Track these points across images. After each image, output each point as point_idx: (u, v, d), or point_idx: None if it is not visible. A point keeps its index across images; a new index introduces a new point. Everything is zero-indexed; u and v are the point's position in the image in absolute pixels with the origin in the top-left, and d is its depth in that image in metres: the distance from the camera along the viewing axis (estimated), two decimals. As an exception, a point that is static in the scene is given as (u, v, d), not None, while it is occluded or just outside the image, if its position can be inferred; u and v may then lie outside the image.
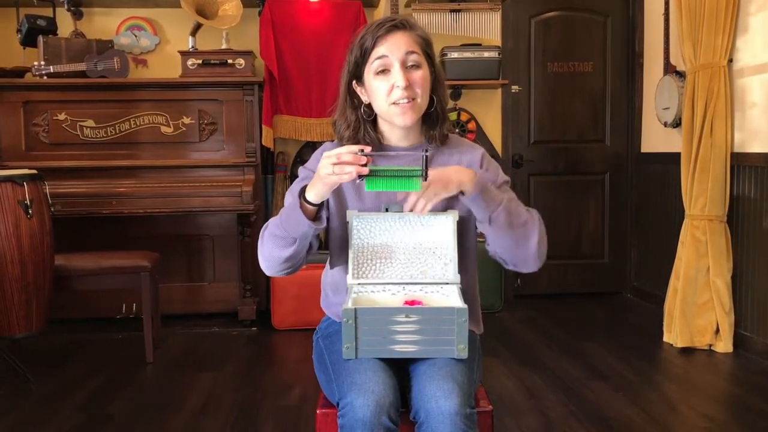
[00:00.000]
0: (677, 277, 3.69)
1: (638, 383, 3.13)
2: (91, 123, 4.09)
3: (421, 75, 1.51)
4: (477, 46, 4.47)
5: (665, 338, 3.74)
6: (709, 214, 3.57)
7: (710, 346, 3.59)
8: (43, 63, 4.00)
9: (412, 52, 1.50)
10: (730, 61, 3.55)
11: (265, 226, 1.52)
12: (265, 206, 4.40)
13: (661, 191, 4.42)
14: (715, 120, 3.53)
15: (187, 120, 4.14)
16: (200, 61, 4.12)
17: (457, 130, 4.53)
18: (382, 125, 1.59)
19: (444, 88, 1.61)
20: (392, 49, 1.49)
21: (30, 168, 3.71)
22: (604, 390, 3.03)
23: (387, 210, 1.49)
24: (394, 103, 1.49)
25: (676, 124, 4.04)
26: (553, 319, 4.29)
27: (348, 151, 1.30)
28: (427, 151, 1.32)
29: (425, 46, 1.55)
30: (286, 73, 4.27)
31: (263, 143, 4.19)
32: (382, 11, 4.52)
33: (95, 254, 3.56)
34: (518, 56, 4.73)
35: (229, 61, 4.14)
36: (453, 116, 4.57)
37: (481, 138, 4.65)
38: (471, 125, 4.60)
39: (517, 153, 4.77)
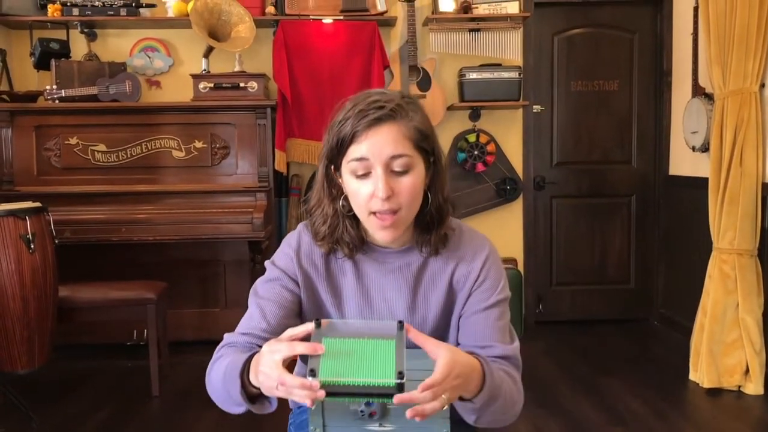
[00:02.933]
0: (704, 312, 3.51)
1: (660, 431, 2.96)
2: (102, 147, 4.04)
3: (409, 183, 1.22)
4: (497, 66, 4.32)
5: (691, 376, 3.55)
6: (738, 247, 3.38)
7: (739, 387, 3.40)
8: (55, 87, 3.96)
9: (400, 156, 1.21)
10: (762, 86, 3.36)
11: (214, 357, 1.25)
12: (279, 231, 4.31)
13: (691, 215, 4.22)
14: (745, 148, 3.35)
15: (198, 144, 4.06)
16: (212, 85, 4.05)
17: (472, 159, 4.39)
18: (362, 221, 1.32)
19: (443, 181, 1.30)
20: (374, 150, 1.20)
21: (41, 193, 3.72)
22: (624, 438, 2.88)
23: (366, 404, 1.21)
24: (373, 213, 1.23)
25: (705, 148, 3.85)
26: (574, 349, 4.12)
27: (295, 382, 1.00)
28: (401, 376, 1.02)
29: (420, 139, 1.24)
30: (299, 96, 4.18)
31: (276, 168, 4.10)
32: (399, 31, 4.40)
33: (101, 285, 3.51)
34: (540, 75, 4.57)
35: (242, 84, 4.05)
36: (472, 138, 4.43)
37: (501, 160, 4.50)
38: (490, 147, 4.46)
39: (539, 175, 4.61)
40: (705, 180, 3.70)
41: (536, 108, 4.55)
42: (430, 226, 1.30)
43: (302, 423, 1.41)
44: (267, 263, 1.36)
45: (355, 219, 1.30)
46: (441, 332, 1.34)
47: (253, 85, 4.07)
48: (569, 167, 4.64)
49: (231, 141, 4.08)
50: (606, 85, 4.59)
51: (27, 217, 3.05)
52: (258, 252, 3.97)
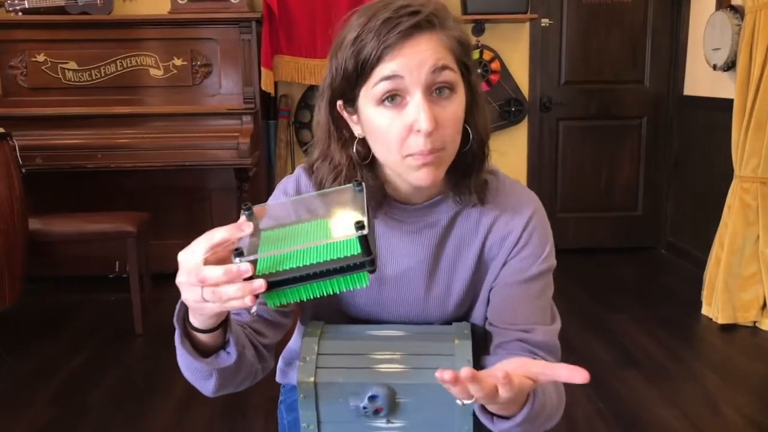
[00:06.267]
0: (721, 245, 3.29)
1: (675, 372, 2.80)
2: (73, 65, 3.71)
3: (453, 110, 0.93)
4: (503, -26, 3.95)
5: (704, 310, 3.38)
6: (762, 176, 3.14)
7: (755, 322, 3.23)
8: (17, -3, 3.60)
9: (444, 68, 0.91)
10: (799, -2, 3.04)
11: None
12: (268, 156, 4.03)
13: (705, 140, 3.96)
14: (777, 68, 3.06)
15: (178, 61, 3.73)
16: (191, -5, 3.69)
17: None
18: (386, 170, 1.02)
19: (484, 111, 1.01)
20: (411, 65, 0.89)
21: (8, 116, 3.50)
22: (636, 381, 2.71)
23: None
24: (410, 155, 0.93)
25: (728, 67, 3.55)
26: (580, 280, 3.93)
27: (217, 273, 0.72)
28: (361, 226, 0.72)
29: (462, 53, 0.95)
30: (287, 7, 3.81)
31: (263, 87, 3.78)
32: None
33: (76, 216, 3.26)
34: (549, -15, 4.21)
35: (223, -6, 3.70)
36: (475, 54, 4.08)
37: (505, 79, 4.19)
38: (495, 65, 4.14)
39: (545, 95, 4.31)
40: (725, 101, 3.44)
41: (544, 22, 4.21)
42: (470, 168, 1.01)
43: (294, 403, 1.19)
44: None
45: (372, 166, 1.01)
46: (466, 308, 1.09)
47: (236, -5, 3.71)
48: (578, 87, 4.33)
49: (213, 58, 3.76)
50: (620, -4, 4.24)
51: (-13, 145, 2.77)
52: (245, 180, 3.70)
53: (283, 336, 1.09)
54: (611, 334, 3.17)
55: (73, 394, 2.67)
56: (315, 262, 0.72)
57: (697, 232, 4.02)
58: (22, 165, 3.03)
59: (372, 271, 0.72)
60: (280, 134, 4.06)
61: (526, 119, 4.30)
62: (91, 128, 3.58)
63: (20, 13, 3.61)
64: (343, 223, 0.75)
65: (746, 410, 2.48)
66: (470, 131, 0.99)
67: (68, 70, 3.71)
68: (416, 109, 0.90)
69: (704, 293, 3.40)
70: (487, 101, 1.04)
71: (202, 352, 0.89)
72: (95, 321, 3.43)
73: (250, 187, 3.72)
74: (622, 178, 4.46)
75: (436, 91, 0.92)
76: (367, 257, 0.71)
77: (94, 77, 3.72)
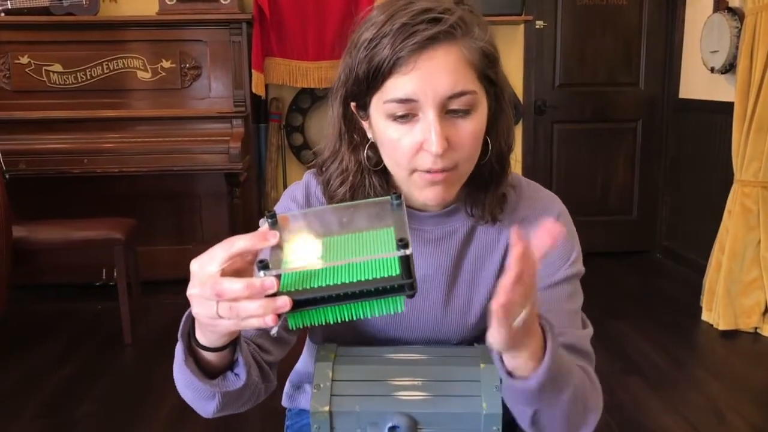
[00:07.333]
0: (722, 250, 3.25)
1: (676, 379, 2.75)
2: (58, 68, 3.62)
3: (471, 129, 0.86)
4: (497, -24, 3.89)
5: (704, 316, 3.33)
6: (763, 180, 3.10)
7: (756, 329, 3.18)
8: (0, -2, 3.51)
9: (461, 94, 0.84)
10: (800, -1, 3.01)
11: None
12: (258, 161, 3.94)
13: (700, 143, 3.92)
14: (778, 70, 3.02)
15: (166, 64, 3.65)
16: (179, -4, 3.60)
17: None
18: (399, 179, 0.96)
19: (508, 121, 0.96)
20: (425, 86, 0.83)
21: None
22: (639, 388, 2.66)
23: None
24: (417, 170, 0.88)
25: (726, 70, 3.52)
26: (576, 286, 3.88)
27: (238, 286, 0.64)
28: (404, 245, 0.64)
29: (486, 66, 0.88)
30: (278, 8, 3.73)
31: (253, 90, 3.70)
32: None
33: (62, 224, 3.16)
34: (544, -13, 4.16)
35: (213, -5, 3.62)
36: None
37: (499, 81, 4.12)
38: (489, 67, 4.07)
39: (540, 98, 4.26)
40: (722, 104, 3.40)
41: (539, 24, 4.16)
42: (488, 183, 0.95)
43: (302, 429, 1.12)
44: (261, 221, 1.02)
45: (383, 173, 0.95)
46: (486, 323, 1.03)
47: (226, -4, 3.63)
48: (572, 89, 4.29)
49: (202, 60, 3.67)
50: (615, -2, 4.20)
51: (-31, 150, 2.67)
52: (236, 185, 3.61)
53: (286, 354, 1.01)
54: (611, 341, 3.11)
55: (61, 406, 2.58)
56: (347, 281, 0.64)
57: (693, 236, 3.99)
58: (6, 170, 2.96)
59: (411, 296, 0.65)
60: (271, 138, 3.98)
61: (520, 122, 4.24)
62: (76, 132, 3.49)
63: (3, 14, 3.52)
64: (379, 240, 0.68)
65: (749, 417, 2.44)
66: (489, 143, 0.92)
67: (53, 72, 3.61)
68: (427, 128, 0.84)
69: (704, 299, 3.36)
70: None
71: (206, 371, 0.82)
72: (82, 330, 3.33)
73: (240, 192, 3.64)
74: (617, 181, 4.42)
75: (452, 110, 0.85)
76: (407, 280, 0.64)
77: (79, 80, 3.63)
